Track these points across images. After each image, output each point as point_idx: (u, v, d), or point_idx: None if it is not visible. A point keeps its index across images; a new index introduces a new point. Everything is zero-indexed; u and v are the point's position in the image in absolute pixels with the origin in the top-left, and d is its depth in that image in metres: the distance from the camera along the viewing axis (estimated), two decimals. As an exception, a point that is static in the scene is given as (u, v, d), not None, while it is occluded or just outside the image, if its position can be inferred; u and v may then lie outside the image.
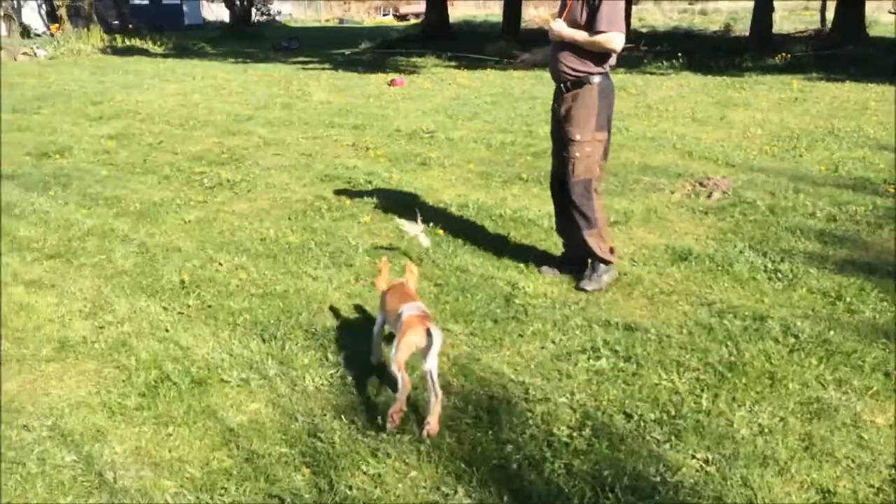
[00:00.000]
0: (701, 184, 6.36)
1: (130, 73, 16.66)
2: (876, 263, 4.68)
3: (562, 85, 4.32)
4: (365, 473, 2.89)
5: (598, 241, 4.43)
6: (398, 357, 3.12)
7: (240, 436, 3.13)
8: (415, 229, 4.93)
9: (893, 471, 2.77)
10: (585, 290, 4.40)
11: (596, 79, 4.23)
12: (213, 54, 22.25)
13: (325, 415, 3.27)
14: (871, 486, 2.71)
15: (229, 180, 7.03)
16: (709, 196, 6.08)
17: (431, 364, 3.11)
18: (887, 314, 3.99)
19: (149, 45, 23.82)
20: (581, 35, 4.14)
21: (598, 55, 4.18)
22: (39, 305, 4.39)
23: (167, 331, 4.06)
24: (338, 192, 6.57)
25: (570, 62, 4.23)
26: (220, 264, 4.96)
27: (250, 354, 3.78)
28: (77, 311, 4.31)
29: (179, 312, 4.29)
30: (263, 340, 3.93)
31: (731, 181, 6.42)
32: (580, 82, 4.25)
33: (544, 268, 4.70)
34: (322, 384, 3.52)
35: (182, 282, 4.67)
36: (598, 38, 4.09)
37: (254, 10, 32.45)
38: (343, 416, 3.23)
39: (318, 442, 3.07)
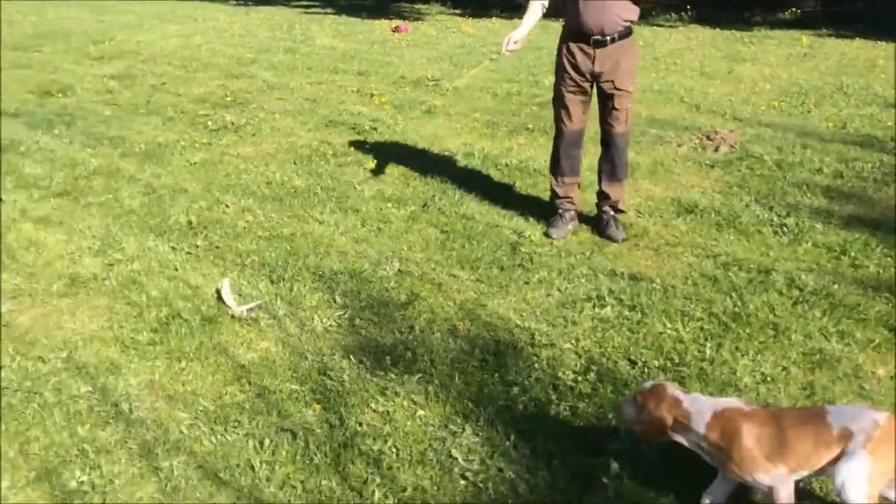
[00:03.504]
0: (708, 137, 6.33)
1: (130, 12, 16.37)
2: (881, 220, 4.69)
3: (608, 37, 4.17)
4: (374, 411, 2.95)
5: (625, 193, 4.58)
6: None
7: (251, 372, 3.19)
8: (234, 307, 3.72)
9: (891, 420, 2.84)
10: (619, 240, 4.42)
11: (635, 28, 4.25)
12: (213, -4, 21.83)
13: (333, 354, 3.32)
14: (869, 433, 2.77)
15: (234, 123, 6.99)
16: (716, 150, 6.07)
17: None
18: (891, 269, 4.03)
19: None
20: None
21: (637, 3, 4.17)
22: (49, 242, 4.41)
23: (176, 270, 4.09)
24: (343, 138, 6.54)
25: (622, 12, 4.15)
26: (227, 206, 4.97)
27: (259, 294, 3.82)
28: (86, 249, 4.34)
29: (188, 252, 4.31)
30: (272, 281, 3.96)
31: (739, 135, 6.40)
32: (628, 32, 4.22)
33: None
34: (330, 325, 3.56)
35: (189, 222, 4.69)
36: None
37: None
38: (352, 357, 3.29)
39: (327, 380, 3.13)
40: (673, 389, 2.39)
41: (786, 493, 2.21)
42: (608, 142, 4.46)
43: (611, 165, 4.49)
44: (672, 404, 2.33)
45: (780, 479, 2.20)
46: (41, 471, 2.67)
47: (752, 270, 4.01)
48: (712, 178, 5.49)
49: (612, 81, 4.26)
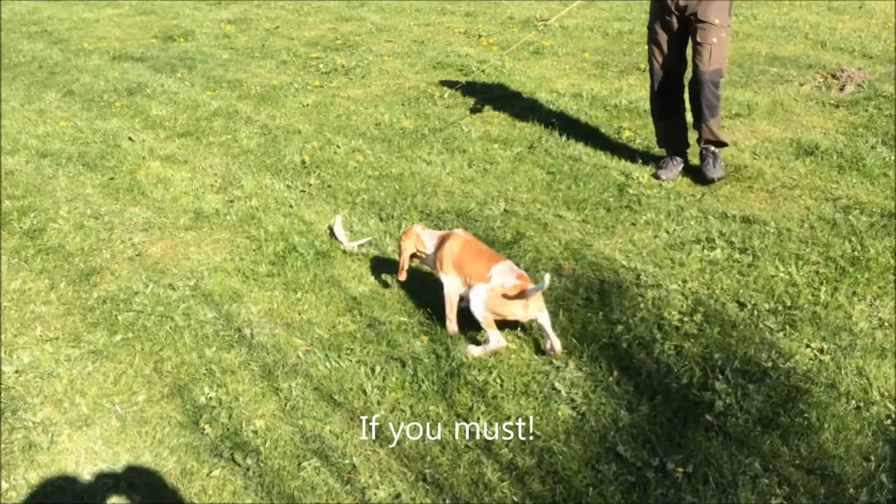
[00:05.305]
0: (833, 76, 5.98)
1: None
2: None
3: None
4: (480, 344, 3.04)
5: (718, 128, 4.35)
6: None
7: (362, 304, 3.34)
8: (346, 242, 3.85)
9: None
10: (715, 179, 4.31)
11: None
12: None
13: (440, 290, 3.41)
14: None
15: (344, 66, 7.12)
16: (841, 89, 5.73)
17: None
18: None
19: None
20: None
21: None
22: (175, 179, 4.69)
23: (291, 207, 4.28)
24: (450, 80, 6.56)
25: None
26: (338, 147, 5.12)
27: (369, 231, 3.95)
28: (209, 186, 4.60)
29: (301, 190, 4.49)
30: (381, 219, 4.09)
31: (868, 73, 6.00)
32: None
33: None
34: (437, 262, 3.66)
35: (303, 162, 4.87)
36: None
37: None
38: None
39: (434, 314, 3.23)
40: (417, 228, 3.28)
41: (449, 291, 3.11)
42: (693, 79, 4.30)
43: (696, 105, 4.33)
44: (414, 238, 3.23)
45: (453, 283, 3.10)
46: (174, 387, 2.91)
47: (875, 214, 3.82)
48: (836, 119, 5.21)
49: (695, 14, 4.10)
